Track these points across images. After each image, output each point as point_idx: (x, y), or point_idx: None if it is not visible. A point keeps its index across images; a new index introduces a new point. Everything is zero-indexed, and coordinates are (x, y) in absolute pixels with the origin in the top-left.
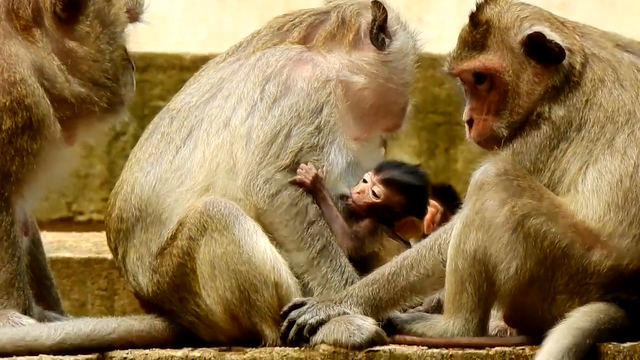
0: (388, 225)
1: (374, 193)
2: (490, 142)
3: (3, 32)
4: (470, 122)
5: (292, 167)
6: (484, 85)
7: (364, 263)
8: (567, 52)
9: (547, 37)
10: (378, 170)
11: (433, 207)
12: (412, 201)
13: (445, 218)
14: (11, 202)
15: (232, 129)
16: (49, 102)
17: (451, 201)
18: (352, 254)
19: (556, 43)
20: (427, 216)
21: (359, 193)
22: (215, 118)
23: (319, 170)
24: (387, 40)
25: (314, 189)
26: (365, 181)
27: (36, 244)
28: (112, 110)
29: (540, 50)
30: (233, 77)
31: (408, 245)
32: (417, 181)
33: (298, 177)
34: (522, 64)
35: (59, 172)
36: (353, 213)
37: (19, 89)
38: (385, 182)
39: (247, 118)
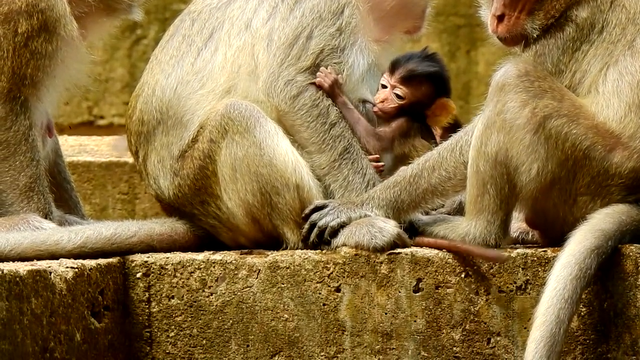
0: (421, 120)
1: (397, 95)
2: (515, 41)
3: None
4: (500, 18)
5: (314, 69)
6: None
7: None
8: None
9: None
10: (392, 69)
11: None
12: (437, 85)
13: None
14: (29, 105)
15: (254, 30)
16: (66, 2)
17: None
18: (378, 154)
19: None
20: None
21: (383, 101)
22: (236, 20)
23: (339, 74)
24: None
25: (332, 93)
26: (384, 86)
27: (55, 147)
28: (128, 7)
29: None
30: None
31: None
32: (435, 64)
33: (317, 79)
34: None
35: (77, 73)
36: (383, 119)
37: None
38: (405, 80)
39: (269, 19)
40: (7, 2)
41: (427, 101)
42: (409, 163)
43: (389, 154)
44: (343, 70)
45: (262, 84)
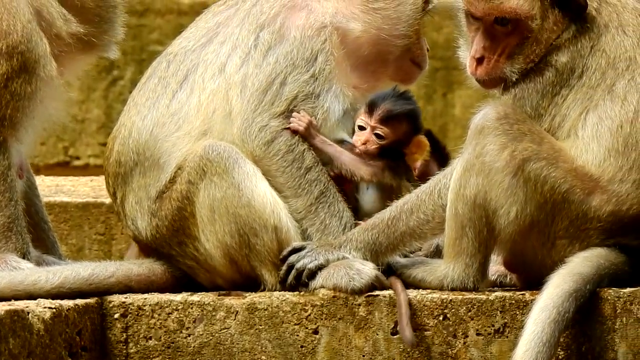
0: (400, 158)
1: (378, 136)
2: (494, 83)
3: None
4: (480, 60)
5: (287, 114)
6: (505, 27)
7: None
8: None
9: None
10: (370, 111)
11: None
12: (413, 123)
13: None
14: (8, 146)
15: (227, 75)
16: (46, 43)
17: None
18: (372, 179)
19: None
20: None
21: (365, 143)
22: (210, 63)
23: (314, 117)
24: None
25: (308, 135)
26: (361, 127)
27: (32, 187)
28: (107, 44)
29: (565, 0)
30: (229, 23)
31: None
32: (409, 102)
33: (292, 124)
34: (546, 12)
35: (55, 112)
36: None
37: (15, 36)
38: (385, 120)
39: (242, 65)
40: None
41: (405, 139)
42: (388, 205)
43: (381, 180)
44: (318, 114)
45: (236, 130)
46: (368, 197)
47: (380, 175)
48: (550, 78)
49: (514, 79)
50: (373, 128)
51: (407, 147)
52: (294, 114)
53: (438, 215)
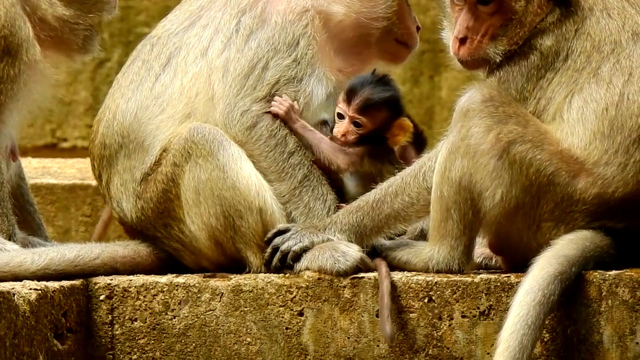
0: (381, 142)
1: (357, 124)
2: (477, 64)
3: None
4: (463, 40)
5: (269, 98)
6: (488, 7)
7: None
8: None
9: None
10: (348, 99)
11: None
12: (392, 109)
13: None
14: None
15: (209, 59)
16: (29, 27)
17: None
18: (349, 169)
19: None
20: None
21: (344, 134)
22: (192, 47)
23: (296, 101)
24: None
25: (289, 119)
26: (340, 115)
27: (18, 170)
28: (92, 35)
29: None
30: (212, 6)
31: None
32: (388, 88)
33: (272, 108)
34: None
35: (41, 95)
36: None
37: None
38: (362, 110)
39: (224, 50)
40: None
41: (386, 125)
42: (372, 188)
43: (359, 169)
44: (300, 99)
45: (219, 114)
46: (351, 181)
47: (359, 164)
48: (535, 61)
49: (497, 60)
50: (352, 118)
51: (389, 131)
52: (276, 97)
53: (423, 197)
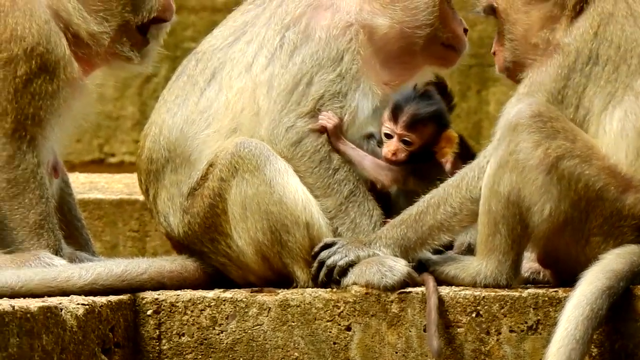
0: (430, 158)
1: (406, 142)
2: (511, 73)
3: None
4: (494, 54)
5: (314, 113)
6: (495, 16)
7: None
8: None
9: None
10: (394, 117)
11: None
12: (439, 122)
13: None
14: (36, 143)
15: (254, 75)
16: (65, 44)
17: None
18: (393, 186)
19: None
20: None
21: (394, 153)
22: (237, 62)
23: (342, 118)
24: None
25: (334, 136)
26: (388, 135)
27: (65, 185)
28: (138, 44)
29: None
30: (256, 22)
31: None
32: (433, 102)
33: (321, 121)
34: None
35: (82, 111)
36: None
37: (31, 38)
38: (410, 127)
39: (268, 65)
40: (6, 48)
41: (434, 139)
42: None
43: (402, 187)
44: (345, 114)
45: (264, 130)
46: (398, 198)
47: (402, 182)
48: (558, 59)
49: (508, 64)
50: (400, 136)
51: (437, 145)
52: (323, 112)
53: (466, 207)
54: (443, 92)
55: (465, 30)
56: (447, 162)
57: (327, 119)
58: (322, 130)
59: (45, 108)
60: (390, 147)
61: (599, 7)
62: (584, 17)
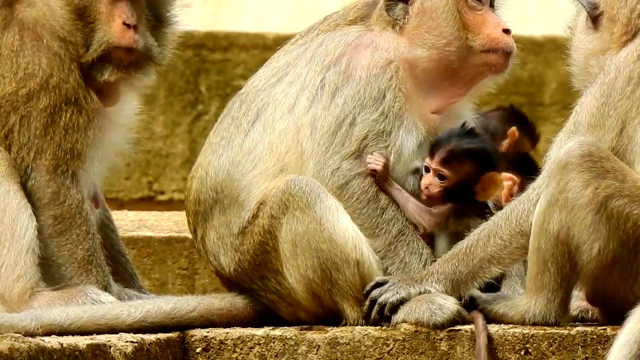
0: (469, 198)
1: (440, 177)
2: None
3: None
4: None
5: (358, 154)
6: None
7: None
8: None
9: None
10: (432, 152)
11: (509, 179)
12: (479, 161)
13: (522, 188)
14: (78, 178)
15: (296, 117)
16: (78, 73)
17: (528, 171)
18: (434, 231)
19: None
20: (504, 190)
21: (427, 187)
22: (280, 104)
23: (388, 158)
24: (403, 7)
25: (382, 177)
26: (426, 169)
27: (107, 220)
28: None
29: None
30: (297, 62)
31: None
32: (474, 140)
33: (370, 165)
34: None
35: (117, 141)
36: (432, 204)
37: (42, 73)
38: (445, 162)
39: (310, 107)
40: (23, 85)
41: (472, 178)
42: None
43: (444, 231)
44: (391, 154)
45: (310, 173)
46: (441, 239)
47: (443, 225)
48: (600, 78)
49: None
50: (435, 170)
51: (477, 185)
52: (369, 156)
53: (515, 240)
54: (524, 122)
55: (506, 31)
56: (499, 200)
57: (375, 161)
58: (372, 173)
59: (81, 140)
60: (424, 180)
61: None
62: (632, 43)
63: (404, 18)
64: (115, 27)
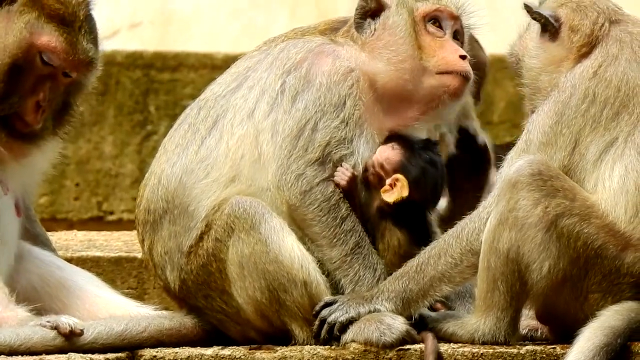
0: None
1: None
2: None
3: None
4: None
5: (322, 160)
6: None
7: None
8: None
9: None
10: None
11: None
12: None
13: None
14: None
15: (256, 121)
16: None
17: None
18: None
19: (539, 13)
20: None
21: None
22: (239, 109)
23: (354, 169)
24: (369, 23)
25: (349, 190)
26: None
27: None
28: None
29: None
30: (258, 67)
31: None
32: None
33: (336, 178)
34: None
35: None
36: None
37: None
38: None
39: (271, 112)
40: None
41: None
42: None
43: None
44: (353, 160)
45: (271, 176)
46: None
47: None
48: (553, 96)
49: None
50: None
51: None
52: (339, 168)
53: (466, 259)
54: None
55: (463, 57)
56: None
57: (341, 174)
58: (340, 187)
59: None
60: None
61: (604, 50)
62: (588, 59)
63: (369, 34)
64: (29, 102)
